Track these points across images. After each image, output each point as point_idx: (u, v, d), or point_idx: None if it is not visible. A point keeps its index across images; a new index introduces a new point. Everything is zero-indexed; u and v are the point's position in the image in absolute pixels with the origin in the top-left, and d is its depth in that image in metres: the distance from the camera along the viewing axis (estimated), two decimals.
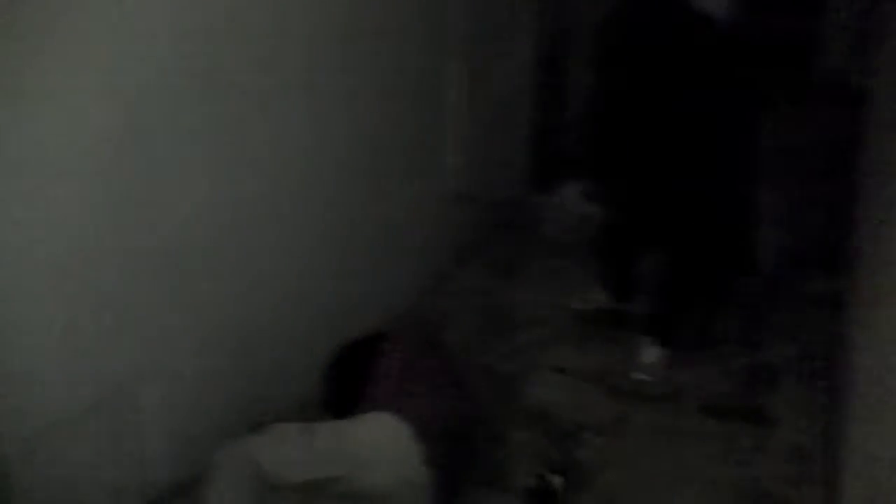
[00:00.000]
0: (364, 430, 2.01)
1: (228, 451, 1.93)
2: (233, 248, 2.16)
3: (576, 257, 3.45)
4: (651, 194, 2.67)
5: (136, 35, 1.74)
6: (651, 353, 2.79)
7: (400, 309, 3.04)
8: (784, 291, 3.35)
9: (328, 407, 2.22)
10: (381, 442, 1.99)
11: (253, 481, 1.88)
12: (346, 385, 2.17)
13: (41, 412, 1.74)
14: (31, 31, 1.55)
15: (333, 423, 2.06)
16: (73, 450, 1.83)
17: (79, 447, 1.84)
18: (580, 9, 4.26)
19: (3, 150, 1.54)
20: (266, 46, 2.11)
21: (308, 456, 1.94)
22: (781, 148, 5.51)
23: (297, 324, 2.46)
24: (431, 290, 3.28)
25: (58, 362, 1.75)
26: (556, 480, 2.15)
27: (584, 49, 2.77)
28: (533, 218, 3.95)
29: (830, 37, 7.53)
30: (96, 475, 1.91)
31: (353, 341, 2.28)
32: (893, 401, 1.48)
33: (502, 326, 3.06)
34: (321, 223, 2.51)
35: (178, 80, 1.86)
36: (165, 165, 1.88)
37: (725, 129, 2.56)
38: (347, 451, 1.96)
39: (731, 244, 2.86)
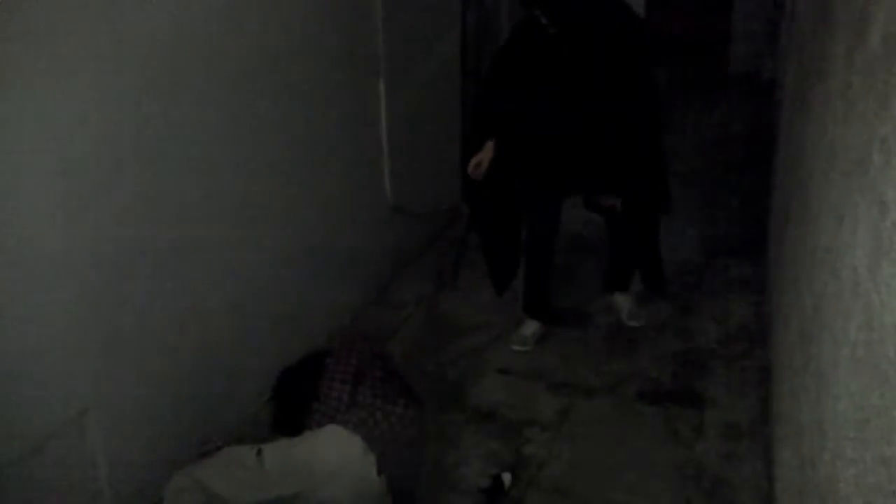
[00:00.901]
0: (316, 446, 2.04)
1: (179, 479, 1.94)
2: (175, 270, 2.16)
3: None
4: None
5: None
6: (528, 326, 3.03)
7: (344, 322, 3.08)
8: (710, 278, 3.51)
9: (277, 427, 2.23)
10: (334, 456, 2.01)
11: None
12: (293, 403, 2.19)
13: None
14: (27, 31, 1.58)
15: (284, 442, 2.07)
16: (18, 491, 1.81)
17: (26, 485, 1.82)
18: (500, 24, 4.40)
19: None
20: (198, 77, 2.14)
21: (260, 477, 1.96)
22: (703, 138, 5.74)
23: (242, 344, 2.47)
24: (373, 302, 3.32)
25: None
26: (506, 477, 2.22)
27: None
28: (467, 226, 4.03)
29: (742, 32, 7.88)
30: None
31: (298, 360, 2.31)
32: (812, 368, 1.59)
33: (445, 333, 3.12)
34: (261, 242, 2.54)
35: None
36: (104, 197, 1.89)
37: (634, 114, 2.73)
38: (301, 469, 1.98)
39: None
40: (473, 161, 2.81)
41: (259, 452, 1.99)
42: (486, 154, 2.79)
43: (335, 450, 2.02)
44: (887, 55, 1.11)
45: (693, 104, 6.66)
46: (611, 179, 2.84)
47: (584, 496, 2.26)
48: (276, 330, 2.62)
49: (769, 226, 3.57)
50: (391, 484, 2.03)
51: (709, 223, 4.09)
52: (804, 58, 2.72)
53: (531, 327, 3.04)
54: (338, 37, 2.86)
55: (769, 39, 7.15)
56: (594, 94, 2.65)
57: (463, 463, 2.40)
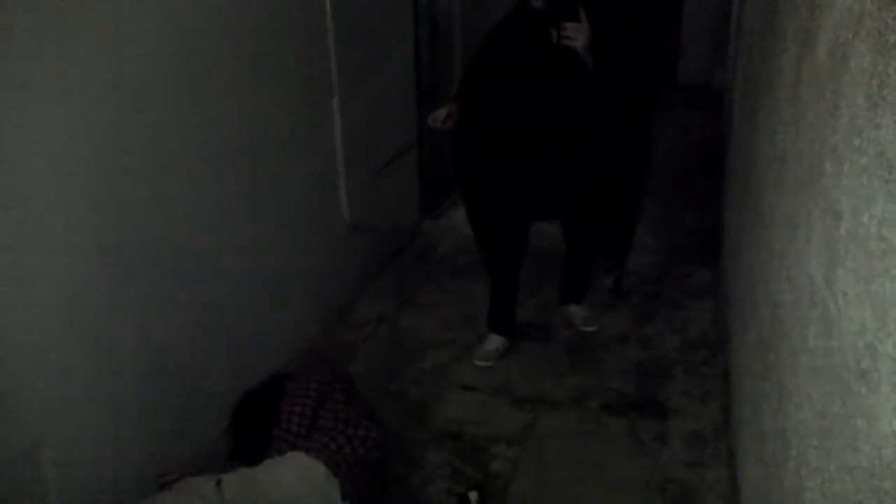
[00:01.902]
0: (278, 474, 1.99)
1: None
2: (129, 295, 2.10)
3: (471, 276, 3.54)
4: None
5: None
6: (492, 342, 3.03)
7: (304, 344, 3.03)
8: (669, 286, 3.54)
9: (237, 455, 2.18)
10: (297, 483, 1.97)
11: None
12: (253, 430, 2.15)
13: None
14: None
15: (244, 471, 2.02)
16: None
17: None
18: (453, 38, 4.42)
19: None
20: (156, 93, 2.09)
21: None
22: (655, 149, 5.81)
23: (200, 369, 2.41)
24: (334, 322, 3.28)
25: None
26: (472, 496, 2.20)
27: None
28: (427, 242, 4.02)
29: (691, 44, 8.05)
30: None
31: (257, 385, 2.26)
32: (772, 376, 1.60)
33: (407, 351, 3.09)
34: (217, 265, 2.48)
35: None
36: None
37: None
38: (262, 499, 1.93)
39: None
40: (433, 114, 2.82)
41: (219, 483, 1.93)
42: (445, 110, 2.81)
43: (297, 477, 1.98)
44: (834, 66, 1.13)
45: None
46: (574, 203, 2.86)
47: None
48: (234, 354, 2.56)
49: (723, 233, 3.63)
50: None
51: (666, 232, 4.13)
52: (752, 68, 2.77)
53: (495, 342, 3.03)
54: (290, 55, 2.83)
55: (717, 51, 7.31)
56: (578, 84, 2.64)
57: (429, 482, 2.37)
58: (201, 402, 2.40)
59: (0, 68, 1.63)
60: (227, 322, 2.54)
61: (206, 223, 2.41)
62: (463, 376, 2.92)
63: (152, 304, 2.20)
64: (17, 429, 1.81)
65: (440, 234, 4.02)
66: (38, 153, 1.77)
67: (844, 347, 0.99)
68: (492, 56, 2.79)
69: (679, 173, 5.18)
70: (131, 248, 2.11)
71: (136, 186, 2.10)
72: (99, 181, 1.96)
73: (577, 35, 2.58)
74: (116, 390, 2.10)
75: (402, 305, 3.45)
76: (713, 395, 2.74)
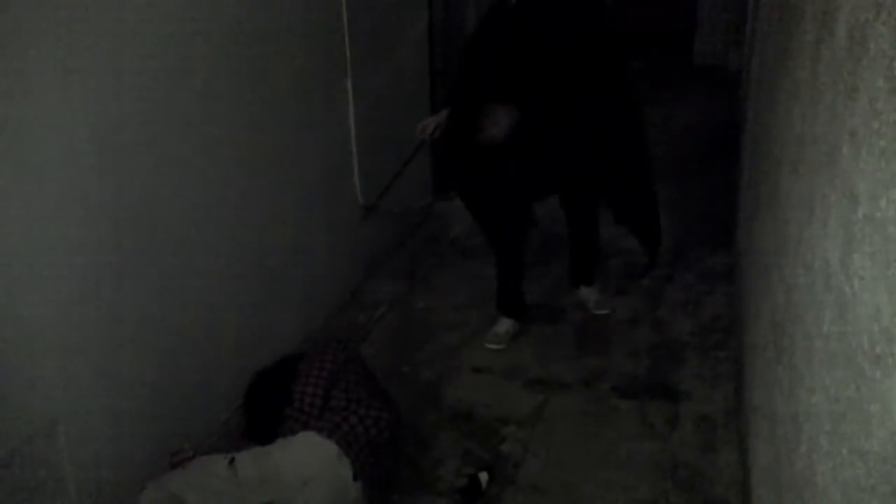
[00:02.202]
0: (290, 453, 2.01)
1: (151, 491, 1.90)
2: (143, 274, 2.11)
3: (483, 258, 3.53)
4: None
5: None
6: (502, 325, 3.03)
7: (317, 324, 3.04)
8: (683, 269, 3.52)
9: (250, 434, 2.20)
10: (309, 462, 1.99)
11: None
12: (266, 410, 2.17)
13: None
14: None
15: (257, 450, 2.05)
16: None
17: None
18: (467, 19, 4.38)
19: None
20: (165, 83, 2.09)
21: (234, 487, 1.93)
22: (671, 131, 5.78)
23: (214, 349, 2.43)
24: (346, 303, 3.29)
25: None
26: (483, 477, 2.21)
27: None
28: (439, 224, 4.02)
29: (708, 25, 7.96)
30: None
31: (269, 365, 2.28)
32: (785, 360, 1.59)
33: (418, 333, 3.10)
34: (232, 245, 2.49)
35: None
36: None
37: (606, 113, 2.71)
38: (275, 477, 1.96)
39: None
40: (421, 124, 2.81)
41: (232, 461, 1.96)
42: (434, 119, 2.81)
43: (309, 456, 2.00)
44: (853, 47, 1.11)
45: (660, 97, 6.71)
46: (577, 177, 2.83)
47: (561, 493, 2.26)
48: (247, 334, 2.58)
49: (738, 216, 3.60)
50: (367, 489, 2.01)
51: (681, 214, 4.11)
52: (769, 49, 2.74)
53: (505, 325, 3.03)
54: (303, 35, 2.82)
55: (735, 32, 7.22)
56: (556, 78, 2.61)
57: (439, 463, 2.38)
58: (214, 380, 2.42)
59: (0, 65, 1.62)
60: (239, 302, 2.55)
61: (222, 206, 2.42)
62: (474, 358, 2.93)
63: (167, 280, 2.21)
64: (33, 406, 1.83)
65: (452, 216, 4.01)
66: (41, 150, 1.76)
67: (859, 331, 0.98)
68: (475, 59, 2.77)
69: (694, 156, 5.15)
70: (150, 232, 2.12)
71: (154, 166, 2.11)
72: (115, 160, 1.97)
73: (497, 127, 2.60)
74: (131, 369, 2.12)
75: (413, 287, 3.46)
76: (725, 378, 2.73)
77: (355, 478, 1.99)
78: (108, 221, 1.98)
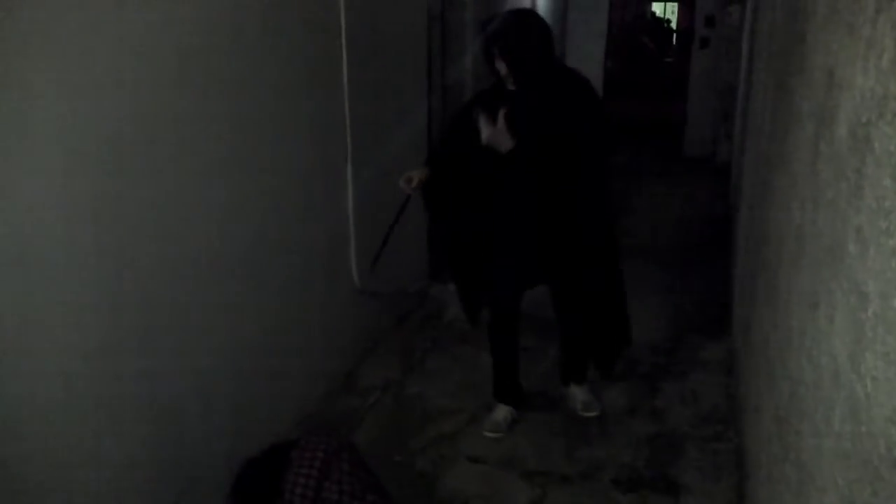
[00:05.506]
0: None
1: None
2: (133, 359, 2.07)
3: (478, 343, 3.50)
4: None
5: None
6: (500, 412, 2.98)
7: (309, 410, 2.98)
8: (679, 358, 3.50)
9: None
10: None
11: None
12: (254, 501, 2.09)
13: None
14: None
15: None
16: None
17: None
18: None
19: None
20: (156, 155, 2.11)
21: None
22: (663, 220, 5.85)
23: (201, 435, 2.36)
24: (340, 388, 3.23)
25: None
26: None
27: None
28: (435, 307, 4.00)
29: (696, 117, 8.19)
30: None
31: (259, 453, 2.21)
32: (792, 457, 1.55)
33: (413, 420, 3.04)
34: (222, 328, 2.46)
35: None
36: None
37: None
38: None
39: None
40: (405, 176, 2.80)
41: None
42: (418, 173, 2.80)
43: None
44: (856, 145, 1.13)
45: (652, 187, 6.83)
46: (562, 267, 2.82)
47: None
48: (237, 420, 2.51)
49: (733, 306, 3.59)
50: None
51: (675, 302, 4.11)
52: (764, 143, 2.79)
53: (503, 412, 2.98)
54: (308, 117, 2.87)
55: (723, 124, 7.42)
56: (546, 165, 2.64)
57: None
58: (203, 469, 2.34)
59: (4, 67, 1.60)
60: (229, 386, 2.50)
61: (212, 288, 2.40)
62: (470, 447, 2.86)
63: (155, 367, 2.16)
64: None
65: (448, 299, 3.99)
66: (39, 152, 1.73)
67: (874, 433, 0.95)
68: (463, 126, 2.80)
69: (686, 244, 5.19)
70: (138, 318, 2.09)
71: (154, 257, 2.09)
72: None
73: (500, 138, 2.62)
74: (117, 450, 2.05)
75: (408, 372, 3.41)
76: (726, 472, 2.67)
77: None
78: (107, 304, 1.96)
